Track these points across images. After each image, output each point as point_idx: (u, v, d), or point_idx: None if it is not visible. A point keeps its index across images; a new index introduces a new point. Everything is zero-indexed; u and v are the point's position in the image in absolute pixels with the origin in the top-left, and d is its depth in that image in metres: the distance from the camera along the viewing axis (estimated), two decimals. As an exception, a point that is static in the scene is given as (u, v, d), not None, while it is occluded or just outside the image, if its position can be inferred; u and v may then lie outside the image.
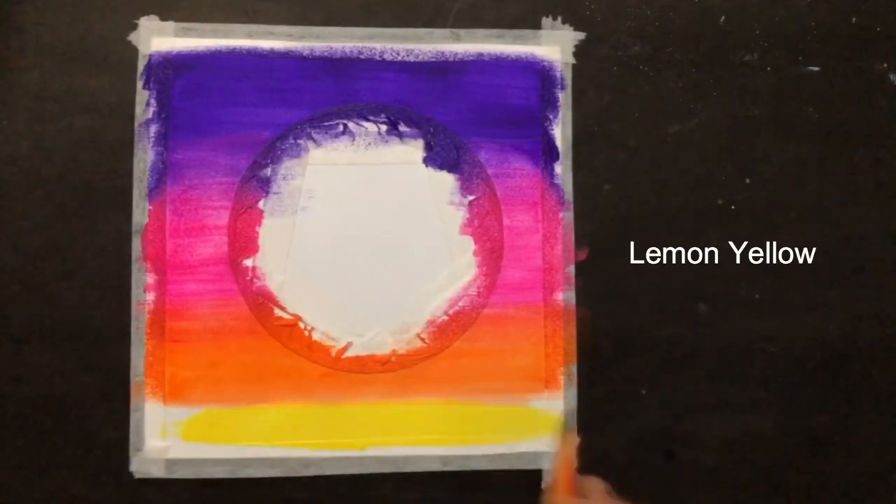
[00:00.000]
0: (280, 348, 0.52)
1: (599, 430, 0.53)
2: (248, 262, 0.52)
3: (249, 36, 0.53)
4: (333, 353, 0.52)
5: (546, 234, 0.54)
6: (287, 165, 0.53)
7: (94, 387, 0.51)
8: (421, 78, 0.54)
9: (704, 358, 0.54)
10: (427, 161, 0.53)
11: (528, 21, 0.54)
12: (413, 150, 0.53)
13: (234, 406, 0.52)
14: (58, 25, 0.53)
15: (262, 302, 0.52)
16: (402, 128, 0.53)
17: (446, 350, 0.53)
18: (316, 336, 0.52)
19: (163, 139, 0.52)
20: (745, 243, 0.54)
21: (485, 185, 0.54)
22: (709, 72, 0.55)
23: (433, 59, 0.54)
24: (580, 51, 0.54)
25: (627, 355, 0.53)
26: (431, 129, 0.53)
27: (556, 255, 0.53)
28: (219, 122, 0.53)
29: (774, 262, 0.54)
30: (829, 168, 0.55)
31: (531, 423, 0.53)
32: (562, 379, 0.53)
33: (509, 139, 0.54)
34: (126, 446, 0.51)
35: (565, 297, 0.53)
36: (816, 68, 0.55)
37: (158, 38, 0.53)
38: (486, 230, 0.54)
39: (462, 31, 0.54)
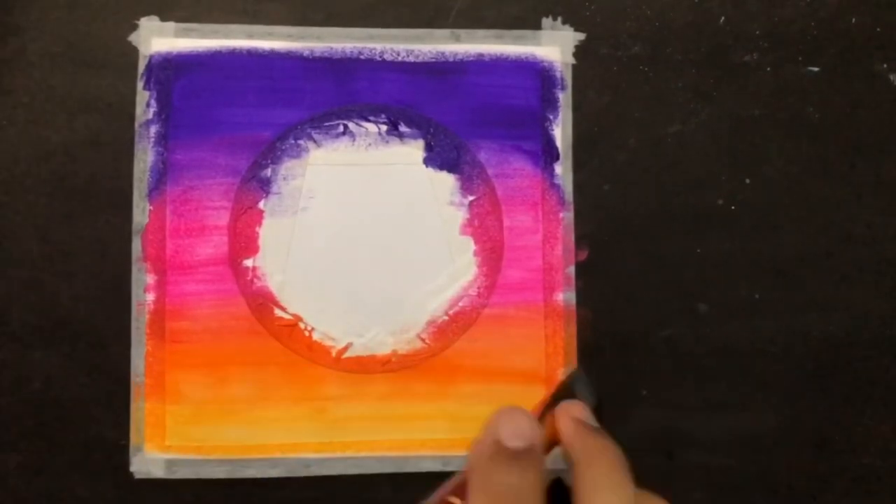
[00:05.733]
0: (280, 348, 0.52)
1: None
2: (249, 263, 0.52)
3: (249, 36, 0.53)
4: (333, 354, 0.52)
5: (546, 235, 0.54)
6: (287, 166, 0.53)
7: (94, 387, 0.51)
8: (421, 78, 0.54)
9: (704, 358, 0.54)
10: (427, 161, 0.53)
11: (528, 21, 0.54)
12: (413, 151, 0.53)
13: (235, 406, 0.52)
14: (58, 25, 0.53)
15: (262, 302, 0.52)
16: (403, 128, 0.53)
17: (446, 350, 0.53)
18: (316, 336, 0.52)
19: (163, 139, 0.52)
20: (745, 243, 0.54)
21: (485, 186, 0.54)
22: (709, 72, 0.55)
23: (433, 60, 0.54)
24: (580, 51, 0.54)
25: (627, 355, 0.53)
26: (432, 130, 0.54)
27: (556, 256, 0.53)
28: (219, 123, 0.53)
29: (774, 262, 0.54)
30: (829, 168, 0.55)
31: (531, 423, 0.52)
32: (562, 379, 0.53)
33: (509, 139, 0.54)
34: (126, 446, 0.51)
35: (565, 297, 0.53)
36: (816, 68, 0.55)
37: (159, 39, 0.53)
38: (487, 230, 0.54)
39: (462, 32, 0.54)
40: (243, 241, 0.52)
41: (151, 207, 0.52)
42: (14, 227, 0.52)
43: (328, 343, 0.52)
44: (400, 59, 0.54)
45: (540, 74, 0.54)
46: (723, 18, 0.55)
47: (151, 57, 0.53)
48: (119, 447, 0.51)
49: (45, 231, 0.52)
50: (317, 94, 0.53)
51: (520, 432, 0.34)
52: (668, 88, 0.55)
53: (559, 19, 0.54)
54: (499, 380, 0.53)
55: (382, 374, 0.52)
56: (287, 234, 0.53)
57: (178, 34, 0.53)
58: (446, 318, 0.53)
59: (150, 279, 0.52)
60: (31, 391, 0.51)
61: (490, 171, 0.54)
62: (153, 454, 0.51)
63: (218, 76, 0.53)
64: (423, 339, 0.53)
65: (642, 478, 0.54)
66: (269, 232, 0.53)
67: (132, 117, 0.52)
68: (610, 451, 0.35)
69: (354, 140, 0.53)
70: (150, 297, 0.52)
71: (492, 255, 0.53)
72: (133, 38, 0.53)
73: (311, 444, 0.52)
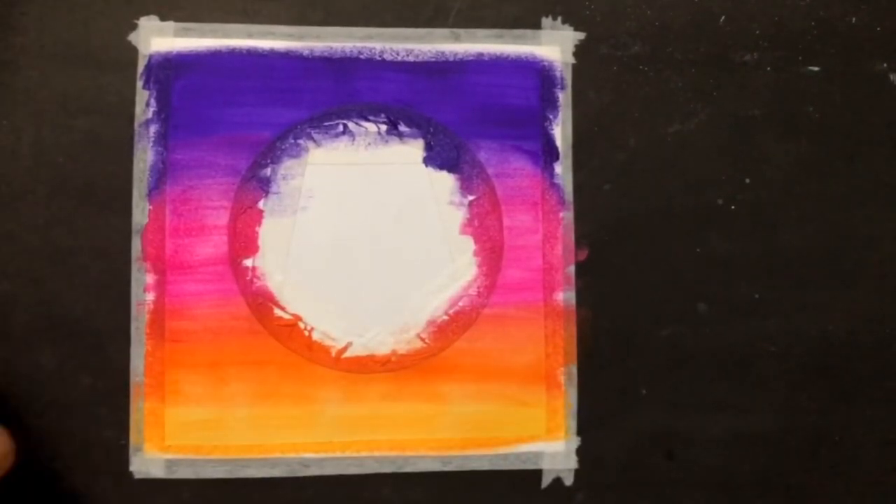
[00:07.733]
0: (280, 348, 0.52)
1: (599, 430, 0.53)
2: (248, 262, 0.52)
3: (249, 36, 0.53)
4: (333, 353, 0.52)
5: (546, 234, 0.54)
6: (287, 165, 0.53)
7: (94, 387, 0.51)
8: (421, 78, 0.54)
9: (704, 358, 0.54)
10: (427, 161, 0.53)
11: (528, 21, 0.54)
12: (413, 150, 0.53)
13: (234, 406, 0.52)
14: (58, 25, 0.53)
15: (262, 302, 0.52)
16: (402, 128, 0.53)
17: (446, 350, 0.53)
18: (316, 336, 0.52)
19: (163, 139, 0.52)
20: (745, 243, 0.54)
21: (485, 185, 0.54)
22: (709, 72, 0.55)
23: (433, 59, 0.54)
24: (580, 51, 0.54)
25: (627, 355, 0.53)
26: (431, 129, 0.54)
27: (556, 255, 0.53)
28: (219, 122, 0.53)
29: (774, 262, 0.54)
30: (829, 168, 0.55)
31: (531, 423, 0.53)
32: (562, 379, 0.53)
33: (509, 139, 0.54)
34: (126, 446, 0.51)
35: (565, 297, 0.53)
36: (816, 68, 0.55)
37: (158, 38, 0.53)
38: (486, 230, 0.54)
39: (462, 31, 0.54)
40: (243, 241, 0.52)
41: (151, 207, 0.52)
42: (14, 227, 0.52)
43: (328, 343, 0.52)
44: (400, 58, 0.54)
45: (540, 74, 0.54)
46: (723, 18, 0.55)
47: (151, 56, 0.53)
48: (119, 447, 0.51)
49: (45, 231, 0.52)
50: (316, 93, 0.53)
51: None
52: (668, 88, 0.55)
53: (559, 19, 0.54)
54: (498, 379, 0.53)
55: (382, 373, 0.52)
56: (287, 233, 0.53)
57: (177, 34, 0.53)
58: (446, 317, 0.53)
59: (150, 279, 0.52)
60: (30, 391, 0.51)
61: (490, 171, 0.54)
62: (153, 454, 0.51)
63: (217, 76, 0.53)
64: (422, 339, 0.53)
65: (642, 478, 0.54)
66: (269, 231, 0.53)
67: (132, 117, 0.52)
68: None
69: (354, 139, 0.53)
70: (150, 296, 0.52)
71: (492, 254, 0.53)
72: (132, 37, 0.53)
73: (311, 443, 0.52)
